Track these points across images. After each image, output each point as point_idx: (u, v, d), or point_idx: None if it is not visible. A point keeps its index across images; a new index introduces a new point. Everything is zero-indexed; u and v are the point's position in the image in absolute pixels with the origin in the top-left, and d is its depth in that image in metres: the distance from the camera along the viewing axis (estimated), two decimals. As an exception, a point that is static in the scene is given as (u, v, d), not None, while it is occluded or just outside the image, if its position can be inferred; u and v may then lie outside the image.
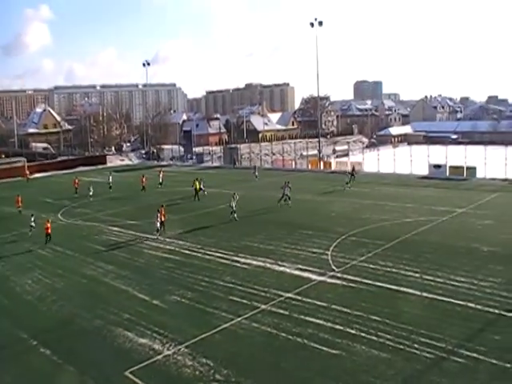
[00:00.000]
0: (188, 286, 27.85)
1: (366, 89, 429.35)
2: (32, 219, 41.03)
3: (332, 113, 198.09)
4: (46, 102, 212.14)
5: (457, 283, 26.11)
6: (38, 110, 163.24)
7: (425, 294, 24.79)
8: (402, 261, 29.97)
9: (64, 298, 27.46)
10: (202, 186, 55.95)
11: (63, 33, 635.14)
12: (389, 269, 28.74)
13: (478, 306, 23.17)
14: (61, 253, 36.65)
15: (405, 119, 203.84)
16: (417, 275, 27.49)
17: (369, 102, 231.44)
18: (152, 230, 40.25)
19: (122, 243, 37.90)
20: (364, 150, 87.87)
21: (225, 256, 33.24)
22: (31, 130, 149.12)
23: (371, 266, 29.46)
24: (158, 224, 39.32)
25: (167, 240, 38.18)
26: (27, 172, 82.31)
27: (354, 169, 61.98)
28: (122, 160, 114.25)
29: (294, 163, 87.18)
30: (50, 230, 38.63)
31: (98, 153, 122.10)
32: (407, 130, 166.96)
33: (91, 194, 58.22)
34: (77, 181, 63.77)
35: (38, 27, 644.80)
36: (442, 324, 21.55)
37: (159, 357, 20.16)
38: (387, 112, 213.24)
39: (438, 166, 64.47)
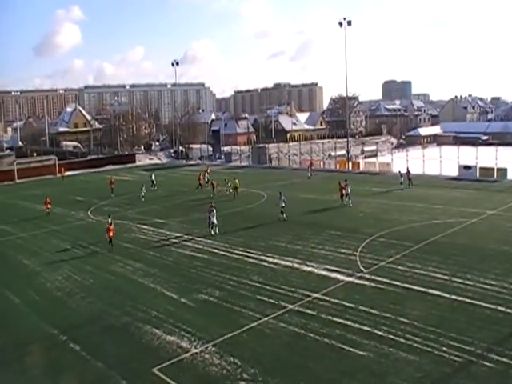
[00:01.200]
0: (216, 285, 27.97)
1: (394, 89, 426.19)
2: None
3: (360, 113, 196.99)
4: (77, 101, 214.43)
5: (487, 286, 25.75)
6: (69, 109, 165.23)
7: (454, 297, 24.50)
8: (430, 263, 29.66)
9: (93, 294, 27.79)
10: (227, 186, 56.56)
11: (93, 33, 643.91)
12: (417, 270, 28.48)
13: (509, 310, 22.81)
14: (90, 250, 37.07)
15: (434, 120, 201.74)
16: (446, 277, 27.19)
17: (398, 102, 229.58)
18: (180, 229, 40.55)
19: (150, 241, 38.18)
20: (393, 151, 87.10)
21: (252, 255, 33.29)
22: (62, 129, 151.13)
23: (399, 267, 29.23)
24: (213, 220, 39.30)
25: (196, 239, 38.35)
26: (62, 170, 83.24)
27: (408, 171, 59.06)
28: (151, 159, 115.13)
29: (322, 163, 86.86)
30: (112, 233, 36.41)
31: (127, 152, 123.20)
32: (437, 130, 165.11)
33: (143, 194, 56.88)
34: (112, 180, 62.76)
35: (69, 28, 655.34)
36: (471, 327, 21.28)
37: (187, 355, 20.28)
38: (416, 112, 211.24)
39: (467, 168, 63.66)
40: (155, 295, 27.12)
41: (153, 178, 65.57)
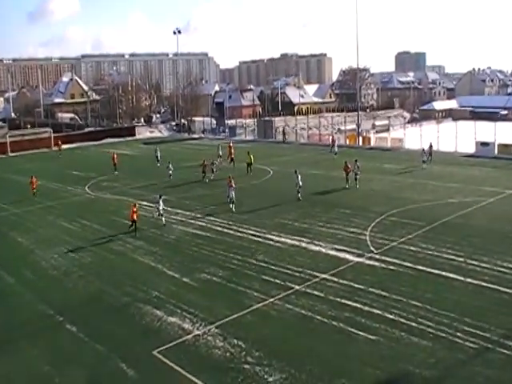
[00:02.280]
0: (219, 264, 28.05)
1: (408, 60, 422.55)
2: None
3: (372, 85, 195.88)
4: (73, 71, 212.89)
5: (504, 269, 25.68)
6: (65, 79, 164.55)
7: (469, 280, 24.48)
8: (444, 244, 29.60)
9: (91, 273, 27.90)
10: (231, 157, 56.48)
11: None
12: (430, 252, 28.45)
13: (527, 294, 22.81)
14: (88, 227, 37.14)
15: (450, 93, 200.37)
16: (461, 259, 27.15)
17: (411, 74, 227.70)
18: (182, 206, 40.68)
19: (151, 218, 38.21)
20: (405, 126, 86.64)
21: (258, 234, 33.34)
22: (57, 100, 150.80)
23: (412, 248, 29.21)
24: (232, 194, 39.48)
25: (198, 216, 38.37)
26: (59, 143, 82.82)
27: (431, 146, 58.70)
28: (152, 132, 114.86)
29: (330, 138, 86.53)
30: (136, 216, 34.32)
31: (127, 124, 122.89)
32: (452, 104, 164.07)
33: (171, 172, 52.94)
34: (115, 156, 60.60)
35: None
36: (488, 312, 21.25)
37: (189, 336, 20.37)
38: (431, 85, 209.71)
39: (485, 144, 63.20)
40: (156, 274, 27.22)
41: (158, 153, 63.93)
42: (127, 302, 23.91)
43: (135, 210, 34.45)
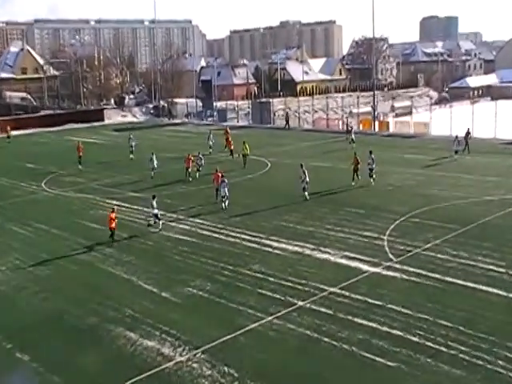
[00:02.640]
0: (207, 276, 28.15)
1: (435, 27, 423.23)
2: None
3: (391, 59, 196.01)
4: (24, 39, 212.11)
5: (554, 281, 25.89)
6: (14, 49, 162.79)
7: None
8: (480, 251, 29.77)
9: (49, 289, 27.95)
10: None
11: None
12: (463, 260, 28.59)
13: None
14: (45, 232, 37.20)
15: (488, 66, 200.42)
16: (501, 270, 27.27)
17: (439, 44, 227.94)
18: (162, 206, 40.75)
19: (124, 221, 38.21)
20: (432, 107, 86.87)
21: (253, 239, 33.49)
22: (4, 75, 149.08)
23: (439, 255, 29.36)
24: (224, 192, 39.81)
25: (181, 218, 38.49)
26: (8, 128, 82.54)
27: (468, 133, 58.86)
28: (124, 116, 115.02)
29: (341, 123, 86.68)
30: (114, 225, 33.59)
31: (93, 106, 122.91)
32: (491, 80, 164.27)
33: (155, 166, 51.98)
34: (81, 146, 60.34)
35: None
36: (535, 335, 21.35)
37: (170, 364, 20.46)
38: (464, 57, 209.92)
39: (531, 129, 63.44)
40: (130, 289, 27.31)
41: (132, 142, 63.75)
42: (94, 322, 23.94)
43: (113, 216, 33.69)
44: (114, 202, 42.84)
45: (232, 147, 59.74)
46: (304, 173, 41.25)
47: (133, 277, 28.72)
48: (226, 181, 40.28)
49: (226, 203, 39.82)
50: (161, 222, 36.12)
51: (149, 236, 35.10)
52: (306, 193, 41.40)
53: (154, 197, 35.98)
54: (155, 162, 51.86)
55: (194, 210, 40.11)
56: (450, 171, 48.92)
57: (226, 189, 39.81)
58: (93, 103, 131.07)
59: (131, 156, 61.90)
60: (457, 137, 55.85)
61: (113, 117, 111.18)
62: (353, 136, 64.48)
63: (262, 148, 63.68)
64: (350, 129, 67.54)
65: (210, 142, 63.36)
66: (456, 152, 54.30)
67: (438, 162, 53.60)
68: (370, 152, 45.40)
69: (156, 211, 35.68)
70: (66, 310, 25.35)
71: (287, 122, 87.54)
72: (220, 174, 40.91)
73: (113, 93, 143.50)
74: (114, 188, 48.29)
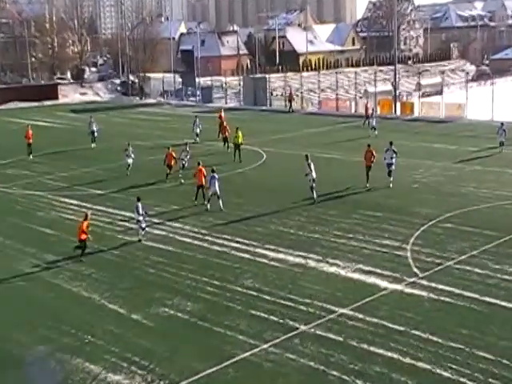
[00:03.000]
0: (187, 293, 27.96)
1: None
2: None
3: (417, 25, 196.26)
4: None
5: None
6: None
7: None
8: (528, 264, 29.73)
9: (-13, 308, 27.74)
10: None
11: None
12: (507, 276, 28.43)
13: None
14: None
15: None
16: (554, 288, 27.26)
17: (479, 4, 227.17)
18: (130, 206, 40.58)
19: (139, 239, 37.97)
20: (468, 85, 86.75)
21: (245, 248, 33.34)
22: None
23: (477, 270, 29.22)
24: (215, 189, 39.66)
25: (156, 221, 38.32)
26: None
27: None
28: (84, 94, 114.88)
29: (353, 105, 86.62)
30: (85, 236, 32.48)
31: (45, 81, 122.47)
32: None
33: (131, 160, 50.52)
34: (30, 131, 59.59)
35: None
36: None
37: (140, 402, 20.33)
38: (511, 21, 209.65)
39: None
40: (91, 309, 27.05)
41: (94, 127, 63.13)
42: (44, 352, 23.58)
43: (86, 224, 32.58)
44: (71, 202, 42.71)
45: (227, 134, 58.91)
46: (309, 166, 40.53)
47: (94, 294, 28.44)
48: (217, 176, 40.03)
49: (221, 203, 39.66)
50: (143, 232, 35.33)
51: (114, 243, 34.87)
52: (315, 193, 40.83)
53: (138, 199, 35.19)
54: (132, 156, 50.24)
55: (172, 212, 39.96)
56: (490, 165, 48.99)
57: (217, 186, 39.62)
58: (44, 77, 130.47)
59: (93, 145, 61.59)
60: (502, 124, 54.72)
61: (69, 94, 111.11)
62: (374, 122, 64.24)
63: (256, 135, 63.57)
64: (369, 113, 67.33)
65: (198, 130, 62.97)
66: (501, 144, 53.70)
67: (475, 153, 53.58)
68: (391, 143, 44.12)
69: (141, 217, 34.69)
70: (7, 337, 24.99)
71: (290, 102, 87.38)
72: (203, 170, 40.49)
73: (69, 64, 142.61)
74: (71, 184, 48.04)
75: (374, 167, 44.08)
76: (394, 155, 43.44)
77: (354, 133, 65.14)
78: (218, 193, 39.60)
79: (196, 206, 40.49)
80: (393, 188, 43.28)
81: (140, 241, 34.98)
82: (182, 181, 46.58)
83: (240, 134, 54.10)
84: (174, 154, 47.12)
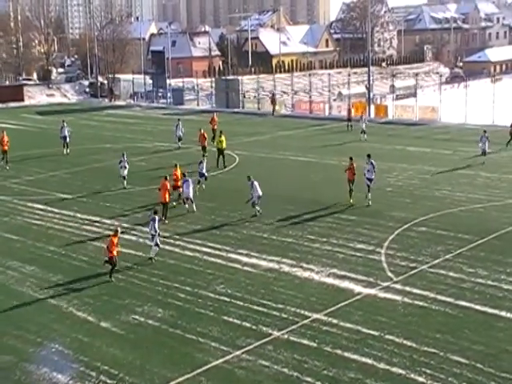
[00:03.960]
0: (157, 300, 27.88)
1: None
2: None
3: (391, 26, 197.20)
4: None
5: None
6: None
7: (542, 324, 24.68)
8: (504, 268, 29.83)
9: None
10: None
11: None
12: (481, 280, 28.61)
13: None
14: None
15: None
16: (528, 292, 27.41)
17: (452, 7, 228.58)
18: (98, 211, 40.39)
19: (50, 229, 37.90)
20: (442, 87, 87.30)
21: (217, 252, 33.32)
22: None
23: (451, 273, 29.39)
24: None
25: (125, 226, 38.15)
26: None
27: None
28: (51, 95, 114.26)
29: (327, 108, 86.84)
30: (116, 253, 30.55)
31: (9, 82, 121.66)
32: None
33: (125, 172, 47.35)
34: (6, 138, 56.71)
35: None
36: None
37: (110, 412, 20.25)
38: (484, 23, 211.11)
39: None
40: (58, 317, 26.87)
41: (66, 132, 61.23)
42: (8, 362, 23.39)
43: (115, 241, 30.60)
44: (37, 206, 42.49)
45: (205, 143, 56.57)
46: (252, 186, 39.08)
47: (61, 302, 28.27)
48: (190, 179, 40.02)
49: (194, 206, 39.86)
50: (157, 249, 32.66)
51: (82, 248, 34.69)
52: (257, 207, 39.40)
53: (155, 212, 33.09)
54: (126, 167, 47.06)
55: (142, 217, 39.77)
56: (463, 168, 49.11)
57: (191, 188, 39.64)
58: (8, 77, 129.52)
59: (65, 151, 60.43)
60: (485, 132, 53.26)
61: (36, 96, 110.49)
62: (363, 125, 63.02)
63: (228, 138, 63.46)
64: (354, 115, 67.10)
65: (180, 133, 62.21)
66: (484, 153, 52.22)
67: (449, 155, 53.82)
68: (369, 156, 41.80)
69: (156, 233, 32.16)
70: (-29, 346, 24.93)
71: (274, 106, 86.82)
72: (168, 184, 38.80)
73: (35, 65, 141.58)
74: (37, 188, 47.78)
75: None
76: (373, 169, 40.88)
77: (328, 136, 65.29)
78: (191, 197, 39.69)
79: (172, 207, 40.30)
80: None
81: (151, 259, 32.53)
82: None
83: (223, 138, 53.07)
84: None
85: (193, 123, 64.85)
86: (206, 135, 56.12)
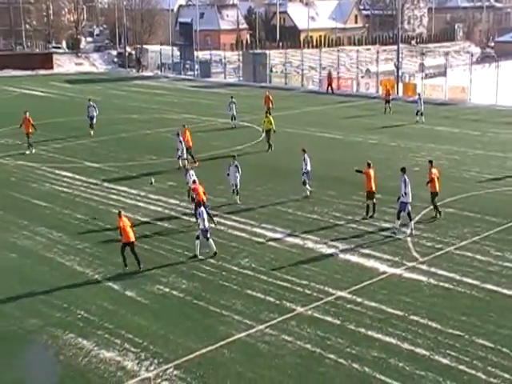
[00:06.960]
0: (182, 271, 28.01)
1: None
2: None
3: (421, 4, 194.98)
4: None
5: None
6: None
7: None
8: (533, 251, 29.69)
9: (-22, 281, 27.67)
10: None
11: None
12: (509, 264, 28.39)
13: None
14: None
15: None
16: (560, 277, 27.22)
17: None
18: (126, 181, 40.45)
19: (77, 197, 38.04)
20: (473, 67, 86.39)
21: (242, 226, 33.42)
22: None
23: (478, 256, 29.23)
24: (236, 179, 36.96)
25: (151, 197, 38.24)
26: None
27: None
28: (80, 64, 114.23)
29: (355, 85, 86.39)
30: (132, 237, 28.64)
31: (39, 49, 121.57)
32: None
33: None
34: (29, 119, 51.15)
35: None
36: None
37: (133, 381, 20.28)
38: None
39: None
40: (84, 284, 27.05)
41: (94, 112, 56.39)
42: (35, 326, 23.67)
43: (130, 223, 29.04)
44: (65, 174, 42.62)
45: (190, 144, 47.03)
46: (305, 161, 38.40)
47: (88, 269, 28.50)
48: (238, 164, 37.31)
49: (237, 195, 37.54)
50: (212, 243, 29.88)
51: (108, 218, 34.68)
52: (308, 186, 38.77)
53: (200, 205, 30.99)
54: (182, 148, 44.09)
55: (167, 187, 39.88)
56: (494, 149, 48.80)
57: (238, 174, 37.06)
58: (38, 45, 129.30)
59: (91, 131, 56.04)
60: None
61: (65, 64, 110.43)
62: (422, 106, 60.87)
63: (255, 113, 63.32)
64: (387, 95, 66.02)
65: (234, 111, 58.68)
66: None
67: (479, 136, 53.45)
68: (403, 170, 33.64)
69: (207, 225, 29.55)
70: (-1, 310, 25.13)
71: (331, 83, 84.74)
72: (200, 188, 33.98)
73: (65, 33, 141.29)
74: (65, 156, 47.91)
75: (374, 147, 43.93)
76: (405, 188, 32.84)
77: (354, 112, 64.92)
78: (239, 185, 37.30)
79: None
80: (393, 169, 42.95)
81: (215, 254, 29.81)
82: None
83: (271, 118, 50.31)
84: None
85: (220, 96, 64.59)
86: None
